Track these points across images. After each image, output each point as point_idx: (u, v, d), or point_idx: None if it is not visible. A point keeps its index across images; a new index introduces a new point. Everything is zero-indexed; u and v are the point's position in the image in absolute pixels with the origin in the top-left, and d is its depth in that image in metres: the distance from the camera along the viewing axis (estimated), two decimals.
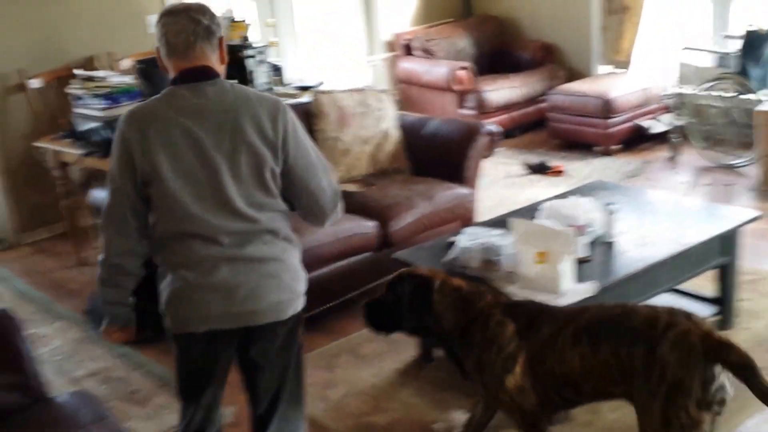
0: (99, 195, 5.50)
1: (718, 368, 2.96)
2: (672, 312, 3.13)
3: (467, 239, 4.25)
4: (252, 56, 6.34)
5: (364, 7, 9.16)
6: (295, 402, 3.33)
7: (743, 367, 2.92)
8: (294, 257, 3.15)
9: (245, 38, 6.52)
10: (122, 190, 2.99)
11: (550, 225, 4.05)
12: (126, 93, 5.95)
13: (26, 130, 6.95)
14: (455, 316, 3.39)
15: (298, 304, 3.15)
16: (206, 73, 2.99)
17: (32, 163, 6.88)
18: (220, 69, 3.08)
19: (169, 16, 2.99)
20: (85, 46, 7.20)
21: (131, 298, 3.18)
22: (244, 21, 6.66)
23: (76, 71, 6.35)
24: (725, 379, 2.99)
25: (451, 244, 4.35)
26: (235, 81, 3.05)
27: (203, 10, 3.02)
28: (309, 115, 5.85)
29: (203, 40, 2.98)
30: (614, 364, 3.10)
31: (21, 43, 6.96)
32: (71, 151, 6.06)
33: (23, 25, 6.96)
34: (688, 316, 3.11)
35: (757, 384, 2.90)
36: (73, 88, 6.14)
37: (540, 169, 7.71)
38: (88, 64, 7.01)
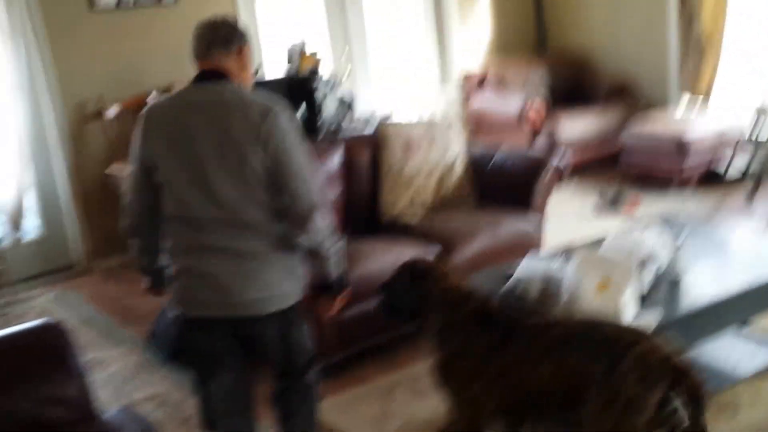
0: None
1: (674, 392, 2.99)
2: (637, 332, 3.21)
3: (526, 269, 4.15)
4: (321, 89, 6.34)
5: (437, 40, 9.16)
6: (304, 393, 3.56)
7: (693, 398, 2.99)
8: (280, 256, 3.25)
9: (315, 71, 6.53)
10: (134, 173, 3.34)
11: (612, 255, 3.93)
12: None
13: (102, 157, 7.07)
14: (439, 313, 3.48)
15: (283, 301, 3.29)
16: (215, 74, 3.24)
17: (106, 189, 6.98)
18: (241, 74, 3.30)
19: (198, 26, 3.32)
20: (163, 75, 7.29)
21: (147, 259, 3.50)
22: (315, 54, 6.68)
23: (154, 94, 6.40)
24: (680, 405, 3.00)
25: (511, 274, 4.25)
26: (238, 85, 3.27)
27: (225, 21, 3.33)
28: (374, 146, 5.83)
29: (219, 46, 3.24)
30: (577, 377, 3.12)
31: (100, 71, 7.09)
32: None
33: (103, 54, 7.09)
34: (651, 337, 3.17)
35: (696, 419, 2.99)
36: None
37: (614, 204, 7.56)
38: (167, 91, 7.08)
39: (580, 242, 4.95)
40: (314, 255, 3.29)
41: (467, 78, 9.27)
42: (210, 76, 3.24)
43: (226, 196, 3.13)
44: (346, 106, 6.79)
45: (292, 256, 3.29)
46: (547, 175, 5.74)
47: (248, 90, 3.27)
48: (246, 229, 3.17)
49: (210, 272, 3.20)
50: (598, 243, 4.59)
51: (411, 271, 3.60)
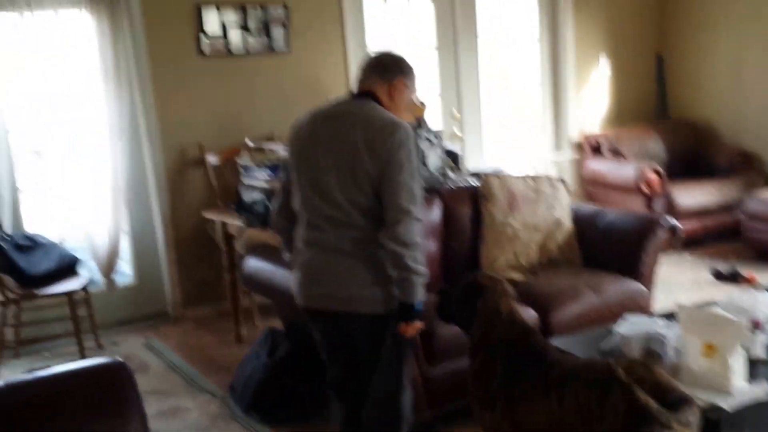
0: (253, 264, 5.28)
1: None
2: (632, 361, 3.12)
3: (628, 327, 3.75)
4: (425, 138, 6.05)
5: (553, 104, 8.84)
6: (386, 398, 3.60)
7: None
8: (377, 262, 3.38)
9: (420, 120, 6.24)
10: (281, 177, 3.79)
11: (721, 313, 3.50)
12: None
13: (200, 204, 6.88)
14: (479, 329, 3.46)
15: (375, 306, 3.40)
16: (363, 94, 3.50)
17: (202, 236, 6.80)
18: (390, 104, 3.50)
19: (367, 55, 3.66)
20: (265, 123, 7.14)
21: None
22: (422, 103, 6.41)
23: (248, 141, 6.22)
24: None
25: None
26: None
27: (389, 54, 3.61)
28: (477, 199, 5.51)
29: (376, 73, 3.51)
30: (576, 411, 3.01)
31: (203, 118, 6.95)
32: (235, 223, 5.91)
33: (207, 100, 6.96)
34: (646, 365, 3.04)
35: None
36: (242, 159, 6.01)
37: (730, 278, 7.04)
38: (268, 140, 6.90)
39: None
40: (397, 267, 3.33)
41: (583, 142, 8.88)
42: (359, 96, 3.49)
43: (337, 199, 3.36)
44: (453, 159, 6.47)
45: (385, 265, 3.39)
46: (658, 237, 5.31)
47: (381, 109, 3.43)
48: (350, 230, 3.38)
49: (318, 267, 3.45)
50: (708, 305, 4.16)
51: (469, 285, 3.58)
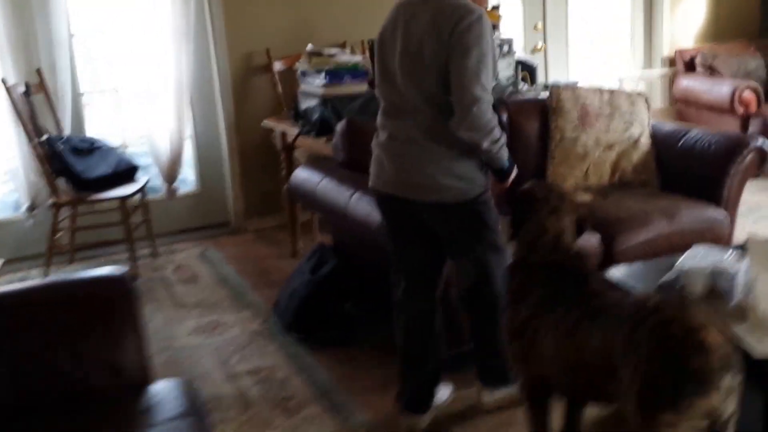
0: (300, 175, 4.85)
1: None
2: (665, 299, 2.58)
3: (693, 259, 3.21)
4: (498, 47, 5.50)
5: (646, 18, 8.13)
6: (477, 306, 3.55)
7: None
8: (443, 150, 3.28)
9: (494, 27, 5.68)
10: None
11: None
12: (352, 71, 5.31)
13: (265, 112, 6.41)
14: (518, 250, 3.09)
15: (442, 194, 3.31)
16: None
17: (266, 145, 6.40)
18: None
19: None
20: (338, 32, 6.64)
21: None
22: (497, 9, 5.84)
23: (310, 46, 5.75)
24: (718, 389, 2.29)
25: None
26: None
27: None
28: (546, 113, 4.97)
29: None
30: (601, 354, 2.57)
31: (270, 24, 6.49)
32: (291, 131, 5.49)
33: (276, 5, 6.48)
34: (680, 305, 2.54)
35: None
36: (300, 64, 5.55)
37: None
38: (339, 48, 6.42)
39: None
40: (478, 150, 3.25)
41: (676, 57, 8.15)
42: None
43: (405, 86, 3.30)
44: (529, 71, 5.92)
45: (456, 154, 3.28)
46: (746, 159, 4.70)
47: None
48: (417, 117, 3.29)
49: (389, 154, 3.39)
50: None
51: (522, 195, 3.15)
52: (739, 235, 4.77)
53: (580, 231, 3.08)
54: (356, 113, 5.00)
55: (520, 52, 7.13)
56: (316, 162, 5.07)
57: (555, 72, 7.40)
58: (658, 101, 8.02)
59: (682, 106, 8.02)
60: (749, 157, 4.70)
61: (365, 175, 3.65)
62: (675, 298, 2.60)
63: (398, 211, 3.48)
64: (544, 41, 7.34)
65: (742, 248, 3.28)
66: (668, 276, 3.21)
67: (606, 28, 8.44)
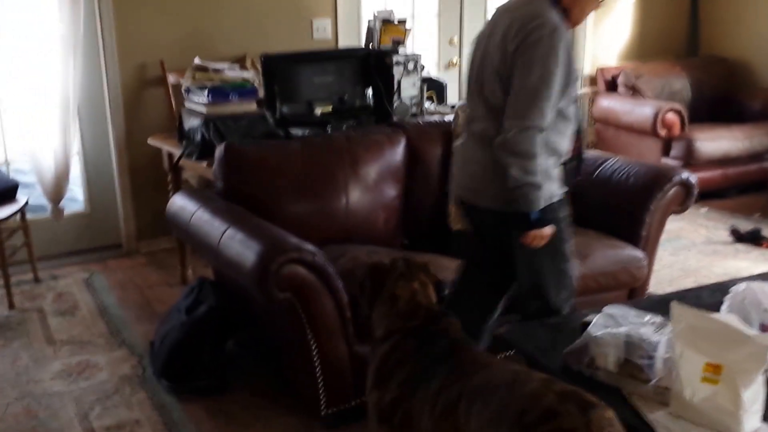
0: (177, 203, 4.16)
1: None
2: (567, 395, 2.02)
3: (605, 324, 2.62)
4: (401, 65, 4.89)
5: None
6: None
7: None
8: (493, 158, 3.05)
9: (399, 43, 5.07)
10: None
11: (735, 323, 2.34)
12: (239, 89, 4.65)
13: (158, 128, 5.72)
14: (383, 323, 2.72)
15: (491, 201, 3.14)
16: None
17: (158, 163, 5.69)
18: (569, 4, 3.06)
19: None
20: (237, 43, 5.97)
21: None
22: (402, 24, 5.23)
23: (197, 60, 5.09)
24: None
25: (586, 326, 2.73)
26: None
27: None
28: (451, 134, 4.41)
29: None
30: None
31: (166, 34, 5.79)
32: (177, 151, 4.83)
33: (171, 15, 5.80)
34: (584, 406, 1.97)
35: None
36: (185, 80, 4.89)
37: (751, 239, 5.86)
38: (239, 63, 5.75)
39: (703, 283, 3.42)
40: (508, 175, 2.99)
41: (597, 75, 7.60)
42: None
43: (475, 94, 3.19)
44: (436, 89, 5.32)
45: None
46: (667, 194, 4.15)
47: (550, 11, 2.99)
48: (479, 125, 3.17)
49: (459, 157, 3.37)
50: (722, 289, 3.02)
51: (372, 273, 2.85)
52: (657, 270, 4.26)
53: (439, 290, 2.82)
54: (240, 136, 4.36)
55: (433, 69, 6.57)
56: (195, 190, 4.41)
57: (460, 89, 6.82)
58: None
59: (601, 126, 7.47)
60: (671, 192, 4.18)
61: (244, 206, 3.04)
62: (579, 395, 1.98)
63: (466, 214, 3.43)
64: (459, 56, 6.74)
65: (662, 311, 2.68)
66: (575, 344, 2.61)
67: None
